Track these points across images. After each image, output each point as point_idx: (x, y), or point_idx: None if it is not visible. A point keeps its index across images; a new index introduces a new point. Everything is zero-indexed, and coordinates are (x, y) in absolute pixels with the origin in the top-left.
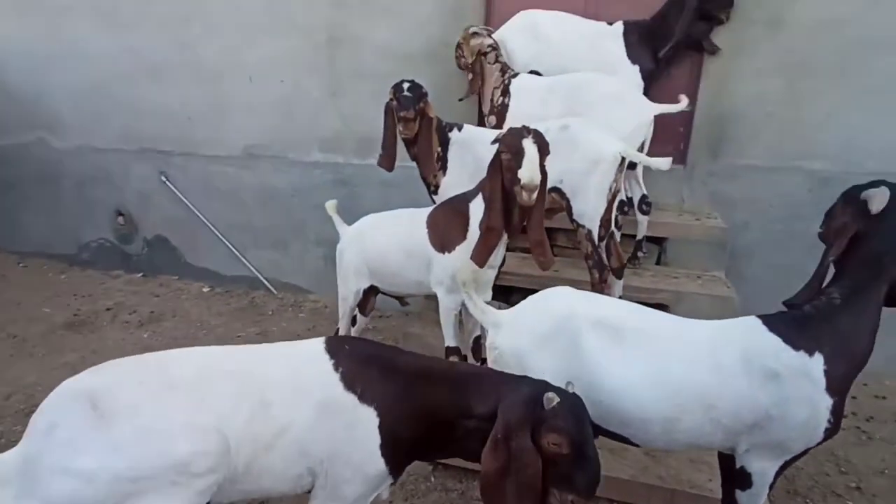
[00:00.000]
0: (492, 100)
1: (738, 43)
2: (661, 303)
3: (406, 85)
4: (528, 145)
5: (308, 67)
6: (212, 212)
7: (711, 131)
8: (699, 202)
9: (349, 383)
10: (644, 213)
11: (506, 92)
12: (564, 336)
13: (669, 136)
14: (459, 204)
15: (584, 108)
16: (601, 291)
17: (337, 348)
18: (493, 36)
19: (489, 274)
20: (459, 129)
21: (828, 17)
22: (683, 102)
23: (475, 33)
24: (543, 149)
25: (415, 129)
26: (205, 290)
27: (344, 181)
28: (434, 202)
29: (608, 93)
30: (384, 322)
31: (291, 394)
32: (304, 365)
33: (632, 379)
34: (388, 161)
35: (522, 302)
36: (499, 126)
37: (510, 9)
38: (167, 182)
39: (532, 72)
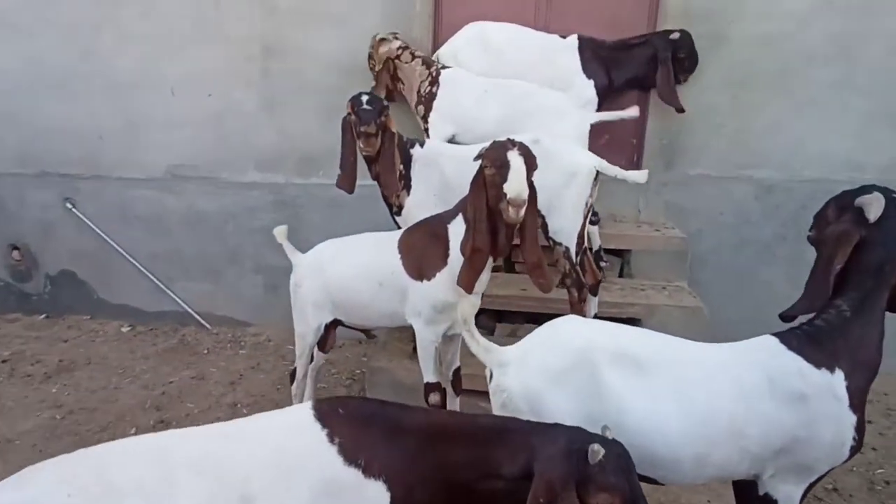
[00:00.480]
0: (419, 91)
1: None
2: (633, 317)
3: (365, 98)
4: (514, 157)
5: (240, 80)
6: (129, 241)
7: (664, 142)
8: (654, 212)
9: (350, 455)
10: (593, 223)
11: (435, 82)
12: (582, 372)
13: (623, 148)
14: (436, 226)
15: (522, 115)
16: (580, 312)
17: (329, 413)
18: (440, 53)
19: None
20: (421, 145)
21: (767, 32)
22: (633, 111)
23: (382, 40)
24: (530, 161)
25: (377, 146)
26: (124, 329)
27: (285, 202)
28: (397, 224)
29: (548, 104)
30: (340, 354)
31: (280, 480)
32: (291, 440)
33: (659, 415)
34: (348, 181)
35: (529, 336)
36: (426, 115)
37: (458, 19)
38: (73, 209)
39: None
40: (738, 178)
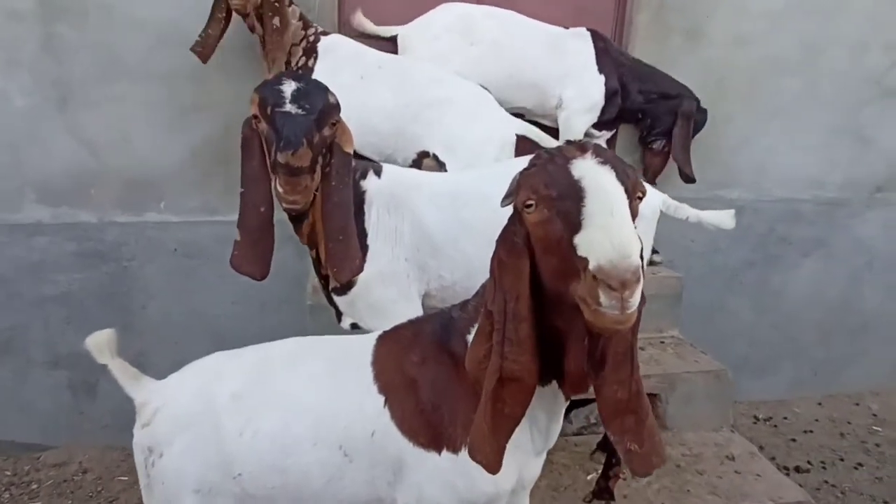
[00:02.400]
0: (288, 62)
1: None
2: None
3: (292, 87)
4: (595, 174)
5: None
6: None
7: (634, 158)
8: None
9: None
10: None
11: (312, 51)
12: None
13: None
14: (445, 336)
15: (420, 107)
16: None
17: None
18: (404, 35)
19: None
20: (378, 174)
21: (741, 32)
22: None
23: None
24: (631, 184)
25: (311, 190)
26: None
27: (100, 254)
28: (336, 309)
29: (461, 98)
30: None
31: None
32: None
33: None
34: (255, 257)
35: None
36: None
37: None
38: None
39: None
40: (710, 198)
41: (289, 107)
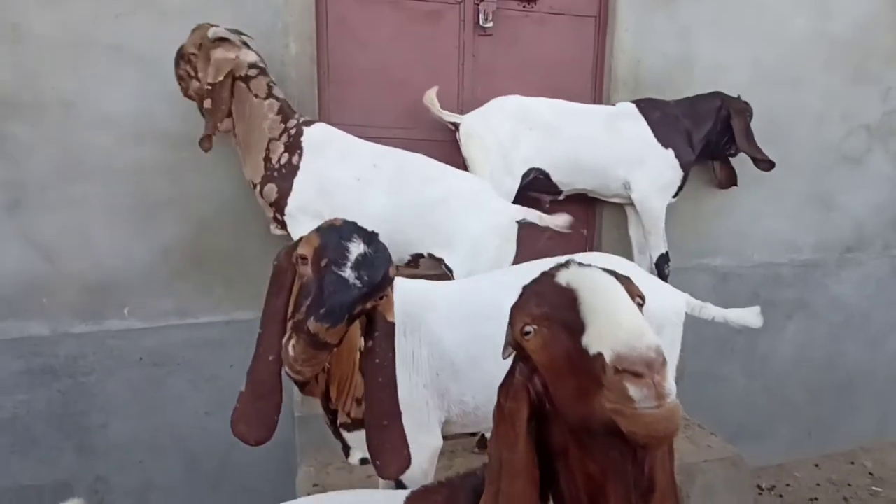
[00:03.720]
0: (267, 158)
1: None
2: None
3: (360, 250)
4: (584, 275)
5: None
6: None
7: (621, 232)
8: None
9: None
10: None
11: (295, 147)
12: None
13: (570, 240)
14: (476, 499)
15: (423, 209)
16: None
17: None
18: (469, 124)
19: None
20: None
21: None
22: (562, 220)
23: (222, 39)
24: (626, 284)
25: (321, 364)
26: None
27: (54, 370)
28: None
29: (463, 191)
30: None
31: None
32: None
33: None
34: (253, 412)
35: None
36: (280, 205)
37: (355, 69)
38: None
39: (535, 169)
40: (696, 267)
41: (348, 273)
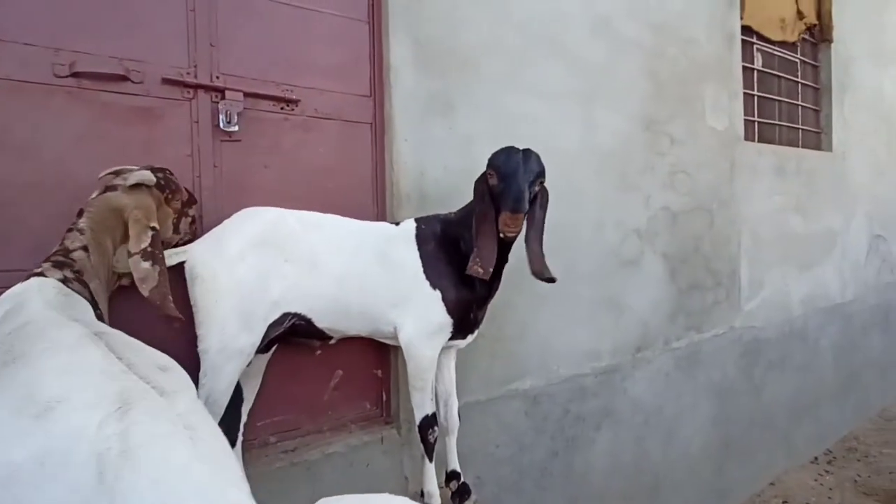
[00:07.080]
0: None
1: None
2: None
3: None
4: None
5: None
6: None
7: None
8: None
9: None
10: None
11: None
12: None
13: (367, 387)
14: None
15: None
16: None
17: None
18: (194, 258)
19: None
20: None
21: None
22: None
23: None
24: None
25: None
26: None
27: None
28: None
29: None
30: None
31: None
32: None
33: None
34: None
35: None
36: None
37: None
38: None
39: (293, 315)
40: (506, 395)
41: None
